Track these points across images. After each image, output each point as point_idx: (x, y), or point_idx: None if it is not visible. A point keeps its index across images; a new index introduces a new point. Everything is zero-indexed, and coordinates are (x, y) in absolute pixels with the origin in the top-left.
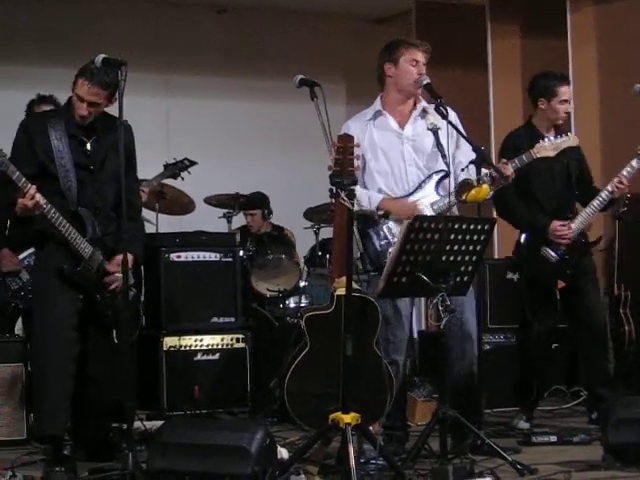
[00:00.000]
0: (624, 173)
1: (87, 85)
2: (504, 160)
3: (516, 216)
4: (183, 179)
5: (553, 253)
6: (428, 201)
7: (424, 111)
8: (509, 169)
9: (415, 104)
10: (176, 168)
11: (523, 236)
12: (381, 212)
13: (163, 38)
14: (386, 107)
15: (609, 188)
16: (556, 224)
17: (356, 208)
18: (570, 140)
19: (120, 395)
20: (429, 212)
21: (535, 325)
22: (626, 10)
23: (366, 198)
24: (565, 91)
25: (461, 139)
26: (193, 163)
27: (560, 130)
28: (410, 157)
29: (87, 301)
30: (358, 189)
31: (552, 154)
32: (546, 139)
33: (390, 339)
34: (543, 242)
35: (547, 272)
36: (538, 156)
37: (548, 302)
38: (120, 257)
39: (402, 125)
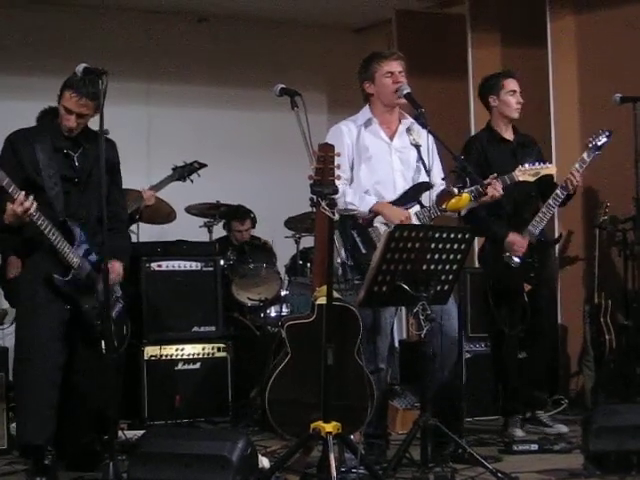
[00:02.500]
0: (576, 166)
1: (75, 97)
2: (494, 176)
3: (477, 223)
4: (192, 182)
5: (515, 259)
6: (413, 211)
7: (408, 127)
8: (499, 187)
9: (400, 119)
10: (185, 171)
11: (486, 242)
12: (371, 215)
13: (144, 47)
14: (375, 117)
15: (562, 184)
16: (512, 238)
17: (342, 207)
18: (549, 169)
19: (104, 406)
20: (416, 222)
21: (506, 330)
22: (606, 19)
23: (358, 198)
24: (510, 82)
25: (435, 159)
26: (203, 165)
27: (517, 132)
28: (398, 167)
29: (74, 311)
30: (350, 191)
31: (532, 179)
32: (527, 165)
33: (373, 347)
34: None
35: (511, 277)
36: (520, 179)
37: (516, 306)
38: (110, 266)
39: (391, 137)
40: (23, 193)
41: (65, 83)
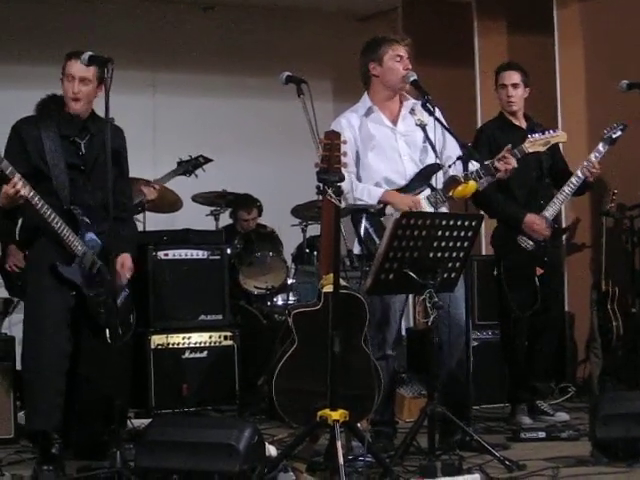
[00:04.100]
0: (592, 157)
1: (76, 62)
2: (508, 147)
3: (491, 206)
4: (197, 176)
5: (529, 242)
6: (424, 194)
7: (412, 108)
8: (513, 160)
9: (401, 101)
10: (190, 165)
11: (499, 226)
12: (380, 206)
13: (149, 36)
14: (376, 104)
15: (579, 173)
16: (531, 218)
17: (351, 202)
18: (559, 136)
19: (112, 394)
20: (427, 207)
21: (516, 313)
22: (612, 6)
23: (366, 192)
24: (503, 76)
25: (447, 135)
26: (208, 160)
27: (531, 121)
28: (405, 151)
29: (79, 299)
30: (356, 183)
31: (542, 149)
32: (536, 134)
33: (382, 334)
34: (519, 231)
35: (525, 260)
36: (530, 151)
37: (527, 289)
38: (121, 258)
39: (394, 122)
40: (18, 176)
41: (66, 56)
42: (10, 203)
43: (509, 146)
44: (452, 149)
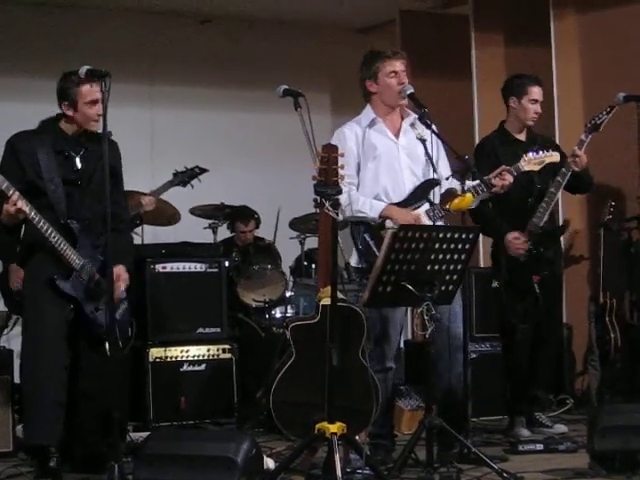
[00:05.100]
0: (575, 149)
1: (97, 85)
2: (503, 167)
3: (483, 220)
4: (193, 187)
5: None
6: (422, 209)
7: (412, 122)
8: (509, 177)
9: (402, 116)
10: (185, 176)
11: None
12: (380, 220)
13: (147, 49)
14: (379, 118)
15: (563, 169)
16: (510, 236)
17: (349, 215)
18: (553, 157)
19: (110, 408)
20: (427, 222)
21: (518, 324)
22: (609, 18)
23: (367, 205)
24: (536, 91)
25: (441, 154)
26: (204, 170)
27: (532, 133)
28: (406, 164)
29: (78, 313)
30: (357, 196)
31: (536, 168)
32: (531, 153)
33: (381, 347)
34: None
35: (520, 271)
36: (525, 169)
37: (529, 299)
38: (116, 270)
39: (396, 135)
40: (17, 193)
41: (78, 80)
42: (11, 220)
43: (503, 167)
44: (442, 168)
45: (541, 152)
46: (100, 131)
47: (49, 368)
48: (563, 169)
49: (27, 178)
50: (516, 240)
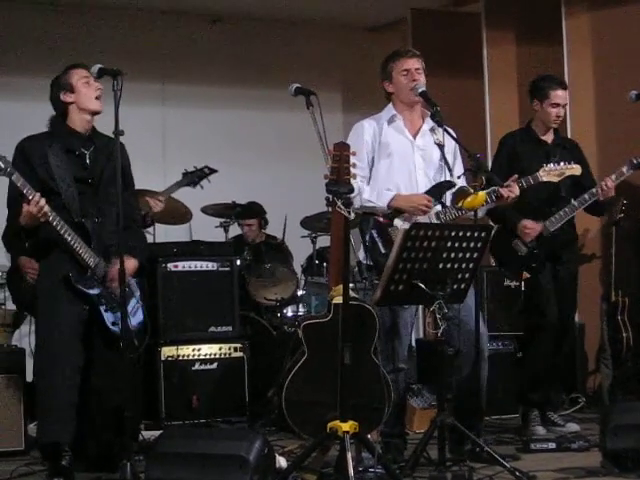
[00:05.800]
0: (612, 177)
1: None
2: (515, 177)
3: (495, 212)
4: (202, 187)
5: (524, 247)
6: (434, 210)
7: (432, 127)
8: (516, 189)
9: (424, 118)
10: (195, 176)
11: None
12: (389, 211)
13: (158, 47)
14: (399, 115)
15: (593, 190)
16: (525, 222)
17: (358, 205)
18: (574, 169)
19: (123, 406)
20: (437, 221)
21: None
22: (621, 16)
23: (375, 194)
24: (558, 95)
25: (458, 160)
26: (213, 171)
27: (558, 136)
28: (420, 165)
29: (92, 312)
30: (367, 188)
31: (556, 180)
32: (551, 164)
33: (392, 347)
34: (515, 234)
35: (515, 263)
36: (544, 180)
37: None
38: (128, 262)
39: (414, 135)
40: (38, 194)
41: (65, 70)
42: (32, 222)
43: (515, 176)
44: (458, 172)
45: (562, 163)
46: (93, 131)
47: (63, 369)
48: (594, 190)
49: (39, 179)
50: (530, 225)
